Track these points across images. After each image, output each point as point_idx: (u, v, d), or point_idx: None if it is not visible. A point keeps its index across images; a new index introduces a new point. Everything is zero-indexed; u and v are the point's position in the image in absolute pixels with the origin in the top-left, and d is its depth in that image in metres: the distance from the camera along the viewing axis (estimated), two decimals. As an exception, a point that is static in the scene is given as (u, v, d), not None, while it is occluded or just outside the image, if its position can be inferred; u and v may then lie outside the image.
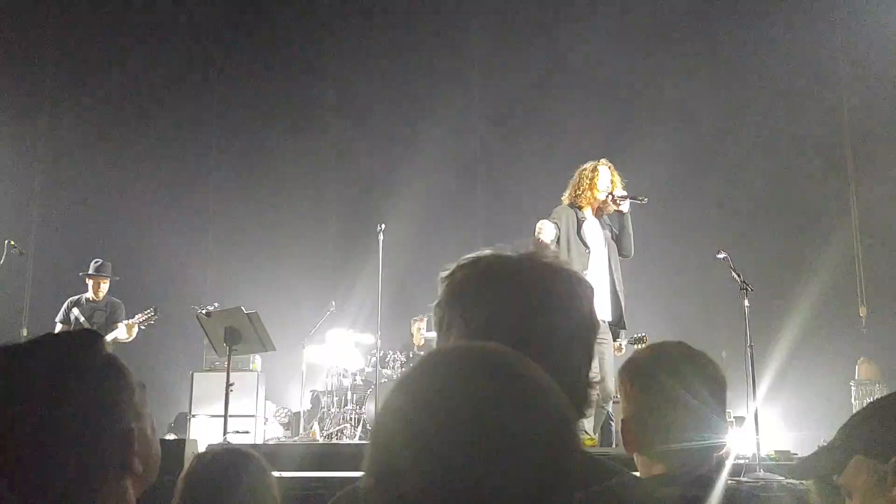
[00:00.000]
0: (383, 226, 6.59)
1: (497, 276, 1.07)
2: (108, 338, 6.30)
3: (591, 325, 1.10)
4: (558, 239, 4.88)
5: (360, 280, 7.76)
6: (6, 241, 6.86)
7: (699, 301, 8.13)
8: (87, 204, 8.97)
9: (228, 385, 6.07)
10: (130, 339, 6.72)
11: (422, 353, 7.27)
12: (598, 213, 5.07)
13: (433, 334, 6.12)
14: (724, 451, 1.59)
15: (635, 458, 1.58)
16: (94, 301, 6.90)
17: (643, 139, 9.01)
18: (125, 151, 9.04)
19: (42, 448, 1.03)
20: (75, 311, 6.91)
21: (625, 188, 5.12)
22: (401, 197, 8.71)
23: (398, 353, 7.21)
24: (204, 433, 6.57)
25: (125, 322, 6.62)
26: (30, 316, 8.72)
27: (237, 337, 6.16)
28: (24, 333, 8.19)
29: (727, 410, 1.63)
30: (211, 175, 9.43)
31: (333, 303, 7.32)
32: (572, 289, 1.09)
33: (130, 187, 8.96)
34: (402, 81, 9.55)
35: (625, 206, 4.99)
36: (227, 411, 6.06)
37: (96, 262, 6.98)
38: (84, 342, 1.10)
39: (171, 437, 6.92)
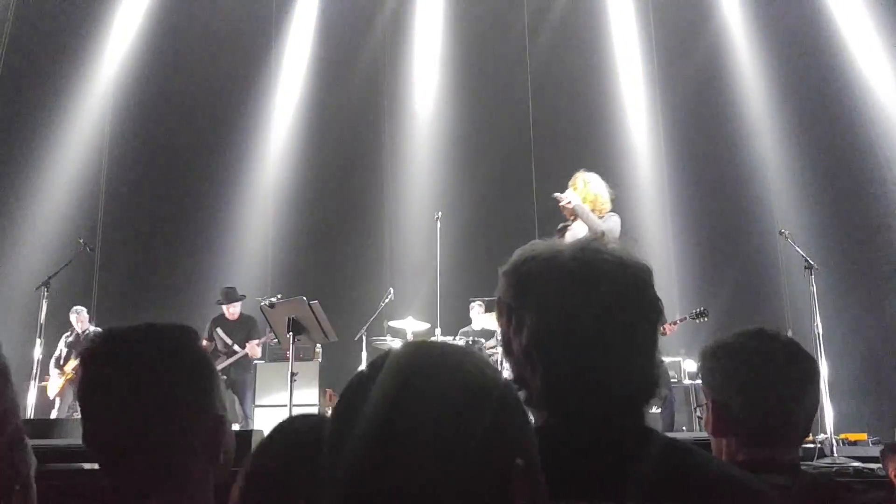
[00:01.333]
0: (440, 213, 6.70)
1: (562, 270, 1.08)
2: (242, 353, 7.30)
3: (655, 308, 1.11)
4: None
5: (417, 267, 7.80)
6: (79, 240, 7.13)
7: (764, 279, 7.99)
8: (149, 200, 9.23)
9: (292, 375, 6.11)
10: (257, 356, 7.44)
11: (480, 338, 7.28)
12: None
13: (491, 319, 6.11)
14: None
15: (713, 442, 1.58)
16: (232, 321, 7.55)
17: (701, 114, 8.85)
18: (185, 148, 9.28)
19: (141, 432, 1.08)
20: (219, 330, 7.53)
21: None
22: (457, 184, 8.74)
23: (457, 339, 7.23)
24: (268, 424, 6.65)
25: (253, 342, 7.33)
26: (97, 310, 8.89)
27: (300, 327, 6.22)
28: (92, 328, 8.39)
29: (819, 403, 1.62)
30: (270, 168, 9.56)
31: (392, 290, 7.32)
32: (635, 276, 1.10)
33: (191, 183, 9.18)
34: (456, 72, 9.60)
35: (570, 203, 5.05)
36: (292, 401, 6.14)
37: (224, 290, 7.54)
38: (182, 336, 1.15)
39: (235, 427, 7.09)
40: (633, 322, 1.08)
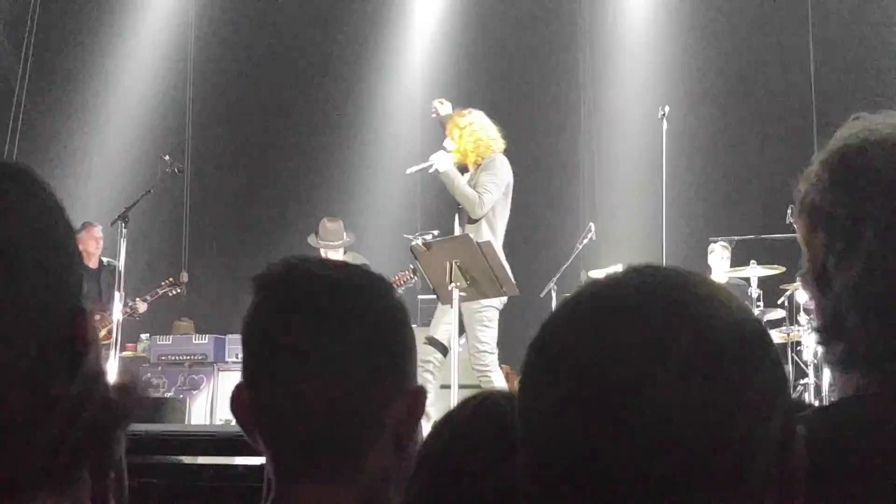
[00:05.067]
0: (667, 108, 5.52)
1: None
2: None
3: None
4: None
5: (631, 191, 6.69)
6: (163, 156, 6.50)
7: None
8: (247, 108, 8.55)
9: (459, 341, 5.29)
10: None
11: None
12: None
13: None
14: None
15: None
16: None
17: None
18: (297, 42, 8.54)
19: (320, 394, 0.98)
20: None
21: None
22: (693, 69, 7.15)
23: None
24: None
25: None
26: (190, 249, 8.40)
27: (466, 276, 5.26)
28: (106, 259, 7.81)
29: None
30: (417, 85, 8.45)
31: (592, 225, 6.08)
32: None
33: (305, 87, 8.39)
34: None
35: (436, 169, 5.23)
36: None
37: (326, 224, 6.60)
38: (381, 285, 1.11)
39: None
40: None
